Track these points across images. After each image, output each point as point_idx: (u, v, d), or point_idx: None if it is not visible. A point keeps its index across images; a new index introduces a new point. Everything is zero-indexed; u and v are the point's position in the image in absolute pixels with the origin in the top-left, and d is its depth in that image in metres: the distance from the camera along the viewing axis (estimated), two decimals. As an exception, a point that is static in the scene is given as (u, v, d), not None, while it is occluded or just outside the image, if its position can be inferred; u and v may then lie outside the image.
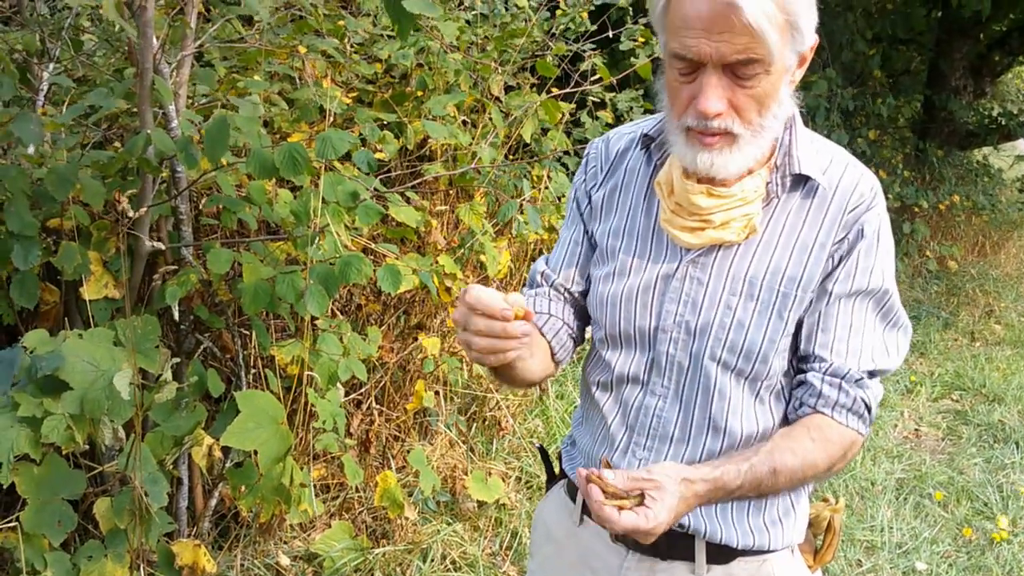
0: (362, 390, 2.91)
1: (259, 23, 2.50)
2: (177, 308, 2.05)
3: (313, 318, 2.22)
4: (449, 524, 2.82)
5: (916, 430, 4.18)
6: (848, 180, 1.16)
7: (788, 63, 1.07)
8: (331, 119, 2.40)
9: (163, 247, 2.07)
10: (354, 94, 2.93)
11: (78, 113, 2.11)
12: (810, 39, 1.08)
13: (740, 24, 0.99)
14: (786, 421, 1.21)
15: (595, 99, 3.77)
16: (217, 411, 2.25)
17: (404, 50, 2.87)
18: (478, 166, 2.87)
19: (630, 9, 3.82)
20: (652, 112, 1.28)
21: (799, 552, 1.29)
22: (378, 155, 2.63)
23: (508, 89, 3.38)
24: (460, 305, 1.04)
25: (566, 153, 3.74)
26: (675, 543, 1.23)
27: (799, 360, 1.20)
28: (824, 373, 1.16)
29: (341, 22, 2.74)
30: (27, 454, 1.60)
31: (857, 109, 6.63)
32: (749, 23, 0.99)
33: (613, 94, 3.79)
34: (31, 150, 2.01)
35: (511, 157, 3.36)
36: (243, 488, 2.03)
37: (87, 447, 1.80)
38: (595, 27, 3.61)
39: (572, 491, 1.36)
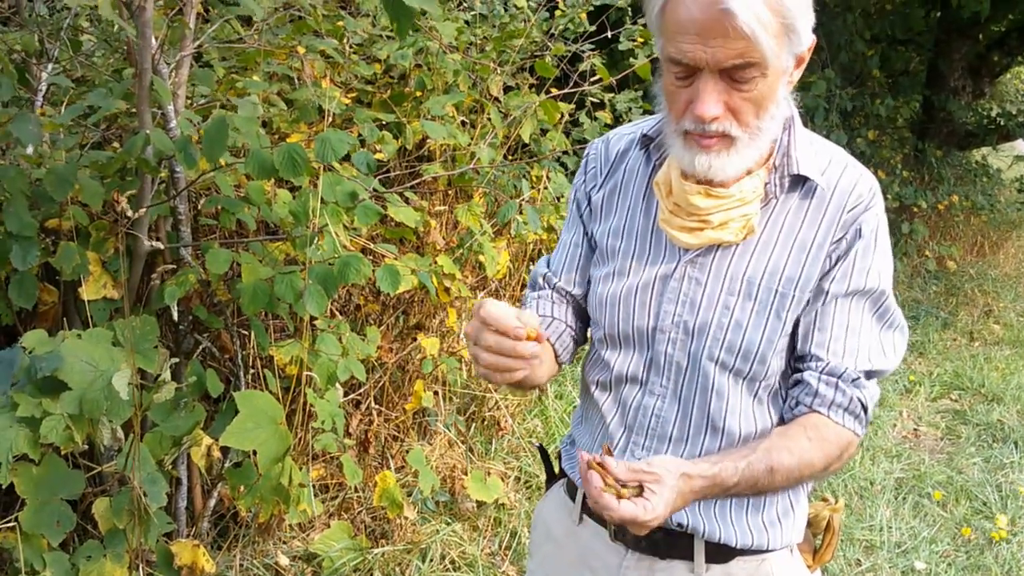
0: (361, 390, 2.91)
1: (258, 23, 2.50)
2: (176, 308, 2.05)
3: (312, 318, 2.22)
4: (448, 524, 2.82)
5: (915, 430, 4.18)
6: (846, 180, 1.16)
7: (785, 65, 1.07)
8: (330, 119, 2.40)
9: (162, 247, 2.07)
10: (353, 94, 2.93)
11: (77, 113, 2.11)
12: (807, 40, 1.08)
13: (734, 30, 0.99)
14: (783, 421, 1.21)
15: (594, 99, 3.77)
16: (216, 411, 2.25)
17: (403, 50, 2.87)
18: (477, 166, 2.87)
19: (629, 9, 3.82)
20: (651, 113, 1.28)
21: (798, 551, 1.29)
22: (377, 155, 2.63)
23: (507, 89, 3.38)
24: (474, 319, 1.04)
25: (565, 153, 3.74)
26: (674, 542, 1.23)
27: (796, 360, 1.20)
28: (821, 372, 1.16)
29: (340, 22, 2.73)
30: (26, 454, 1.60)
31: (856, 109, 6.63)
32: (743, 29, 0.99)
33: (612, 94, 3.79)
34: (30, 150, 2.01)
35: (510, 157, 3.36)
36: (242, 488, 2.03)
37: (86, 447, 1.80)
38: (594, 27, 3.62)
39: (572, 490, 1.36)
